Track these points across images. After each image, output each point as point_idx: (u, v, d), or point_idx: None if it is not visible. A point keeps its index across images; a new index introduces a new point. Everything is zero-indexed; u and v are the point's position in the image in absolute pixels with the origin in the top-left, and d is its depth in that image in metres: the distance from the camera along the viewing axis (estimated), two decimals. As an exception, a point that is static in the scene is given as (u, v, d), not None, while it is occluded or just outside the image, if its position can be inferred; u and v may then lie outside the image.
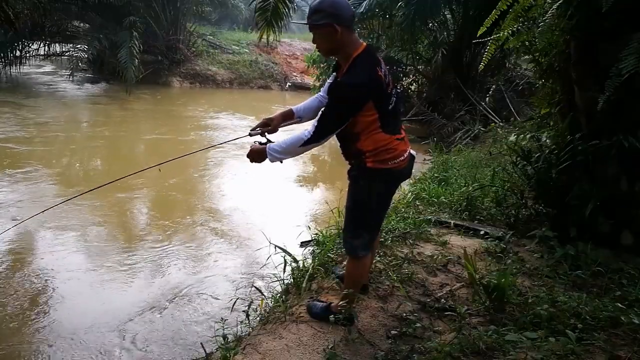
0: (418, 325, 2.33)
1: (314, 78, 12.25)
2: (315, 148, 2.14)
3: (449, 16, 9.65)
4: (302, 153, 2.12)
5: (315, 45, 2.13)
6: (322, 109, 2.12)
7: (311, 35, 2.08)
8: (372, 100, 2.00)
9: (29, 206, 5.04)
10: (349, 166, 2.24)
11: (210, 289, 3.67)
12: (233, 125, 10.35)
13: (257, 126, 2.35)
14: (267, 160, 2.11)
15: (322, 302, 2.51)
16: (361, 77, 2.00)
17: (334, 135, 2.14)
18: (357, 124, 2.05)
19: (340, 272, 2.78)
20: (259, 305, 2.86)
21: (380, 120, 2.05)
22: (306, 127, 2.08)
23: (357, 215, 2.21)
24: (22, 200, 5.19)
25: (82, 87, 13.66)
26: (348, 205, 2.22)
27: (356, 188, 2.18)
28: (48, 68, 15.61)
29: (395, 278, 2.77)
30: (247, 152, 2.16)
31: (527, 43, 3.81)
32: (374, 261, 2.96)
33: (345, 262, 2.99)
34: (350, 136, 2.10)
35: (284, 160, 2.11)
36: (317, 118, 2.08)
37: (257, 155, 2.13)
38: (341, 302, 2.31)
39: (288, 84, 17.63)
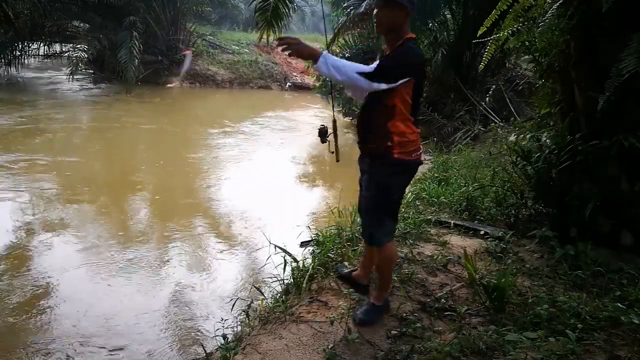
0: (418, 325, 2.33)
1: (314, 78, 12.24)
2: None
3: (449, 16, 9.64)
4: (352, 82, 2.07)
5: (376, 19, 2.18)
6: (380, 62, 2.11)
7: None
8: (414, 78, 2.11)
9: (28, 207, 5.05)
10: (366, 154, 2.27)
11: (210, 289, 3.67)
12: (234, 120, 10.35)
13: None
14: (315, 62, 2.00)
15: (366, 306, 2.46)
16: (417, 52, 2.23)
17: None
18: (395, 97, 2.10)
19: (345, 271, 2.75)
20: (259, 305, 2.86)
21: (412, 106, 2.15)
22: None
23: (381, 205, 2.25)
24: (23, 200, 5.19)
25: (82, 87, 13.67)
26: (371, 195, 2.25)
27: (380, 178, 2.21)
28: (48, 68, 15.61)
29: (395, 278, 2.76)
30: (292, 41, 2.04)
31: (527, 43, 3.82)
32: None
33: (347, 262, 3.00)
34: (385, 112, 2.14)
35: (327, 78, 2.14)
36: (375, 66, 2.08)
37: (307, 50, 2.04)
38: (380, 292, 2.42)
39: (288, 84, 17.63)
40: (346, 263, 3.00)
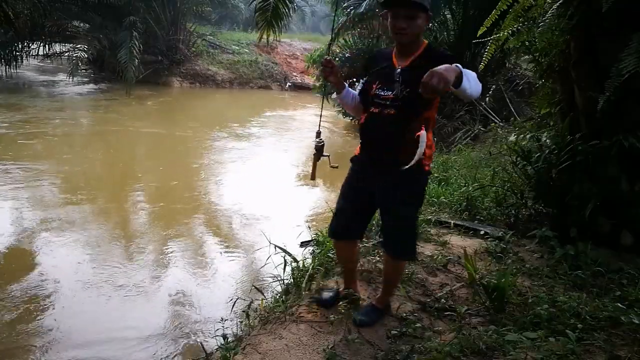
0: (418, 325, 2.33)
1: (314, 78, 12.25)
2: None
3: (449, 16, 9.65)
4: (478, 90, 1.80)
5: (405, 26, 1.99)
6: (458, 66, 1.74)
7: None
8: None
9: (30, 209, 5.05)
10: (392, 168, 2.05)
11: (210, 289, 3.67)
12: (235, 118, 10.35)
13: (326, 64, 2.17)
14: (459, 82, 1.67)
15: (369, 308, 2.43)
16: None
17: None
18: (433, 109, 2.08)
19: (330, 295, 2.55)
20: (259, 305, 2.86)
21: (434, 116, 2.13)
22: None
23: (414, 217, 2.29)
24: (22, 202, 5.19)
25: (82, 87, 13.68)
26: (408, 211, 2.18)
27: (411, 191, 2.15)
28: (48, 68, 15.61)
29: (395, 278, 2.76)
30: (431, 77, 1.59)
31: (527, 43, 3.81)
32: (374, 261, 2.97)
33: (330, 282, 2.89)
34: (419, 124, 1.96)
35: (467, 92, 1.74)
36: (466, 72, 1.74)
37: (450, 74, 1.62)
38: (385, 296, 2.44)
39: (288, 84, 17.64)
40: (333, 285, 2.78)
